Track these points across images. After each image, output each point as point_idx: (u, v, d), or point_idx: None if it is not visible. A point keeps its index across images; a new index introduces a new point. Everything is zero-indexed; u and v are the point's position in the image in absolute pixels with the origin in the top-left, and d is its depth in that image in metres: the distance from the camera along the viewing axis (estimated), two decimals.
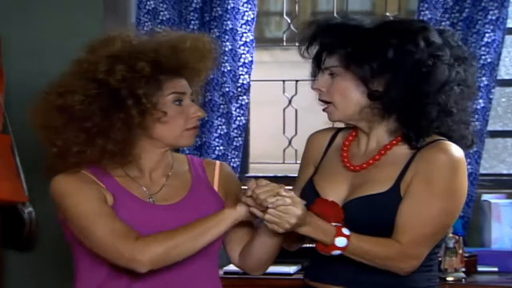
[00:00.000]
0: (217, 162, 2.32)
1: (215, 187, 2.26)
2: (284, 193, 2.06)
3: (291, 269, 3.36)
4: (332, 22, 2.21)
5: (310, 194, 2.21)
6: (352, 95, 2.17)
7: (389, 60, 2.12)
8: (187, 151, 3.78)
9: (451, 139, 2.18)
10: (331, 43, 2.18)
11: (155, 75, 2.13)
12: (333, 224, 2.11)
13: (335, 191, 2.20)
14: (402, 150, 2.19)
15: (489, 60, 3.61)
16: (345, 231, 2.10)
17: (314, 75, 2.25)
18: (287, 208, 2.05)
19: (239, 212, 2.10)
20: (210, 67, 2.25)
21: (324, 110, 2.22)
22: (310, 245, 2.22)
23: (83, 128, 2.11)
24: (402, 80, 2.13)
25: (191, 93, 2.21)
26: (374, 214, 2.15)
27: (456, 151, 2.15)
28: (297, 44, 2.29)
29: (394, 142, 2.20)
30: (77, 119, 2.10)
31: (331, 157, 2.28)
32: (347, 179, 2.22)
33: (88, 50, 2.17)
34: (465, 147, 2.20)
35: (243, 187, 2.22)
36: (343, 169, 2.23)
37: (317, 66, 2.24)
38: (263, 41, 4.14)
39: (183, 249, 2.09)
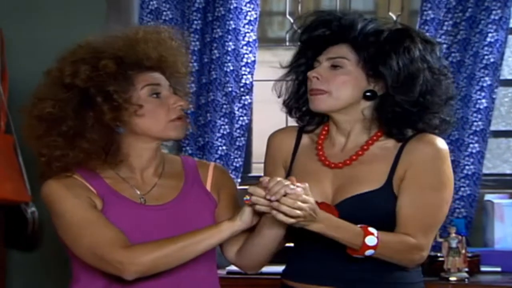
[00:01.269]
0: (212, 163, 2.32)
1: (208, 187, 2.25)
2: (296, 183, 2.04)
3: None
4: (351, 17, 2.23)
5: None
6: (350, 89, 2.19)
7: (413, 65, 2.17)
8: (190, 151, 3.78)
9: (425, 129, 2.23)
10: (354, 36, 2.19)
11: (123, 71, 2.15)
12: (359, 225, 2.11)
13: (319, 191, 2.18)
14: (385, 145, 2.22)
15: (492, 60, 3.61)
16: (372, 229, 2.11)
17: (307, 62, 2.24)
18: (299, 195, 2.02)
19: (237, 225, 2.08)
20: (176, 57, 2.24)
21: (313, 96, 2.21)
22: (289, 244, 2.25)
23: (60, 132, 2.13)
24: (413, 86, 2.17)
25: (170, 85, 2.21)
26: (369, 212, 2.16)
27: (441, 142, 2.21)
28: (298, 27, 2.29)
29: (374, 137, 2.23)
30: (54, 124, 2.14)
31: (303, 157, 2.28)
32: (327, 177, 2.22)
33: (57, 60, 2.20)
34: (441, 133, 2.26)
35: (239, 187, 2.20)
36: (322, 168, 2.23)
37: (310, 55, 2.24)
38: (265, 41, 4.14)
39: (171, 259, 2.08)
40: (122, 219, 2.13)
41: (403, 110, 2.18)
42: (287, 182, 2.03)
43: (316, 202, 2.13)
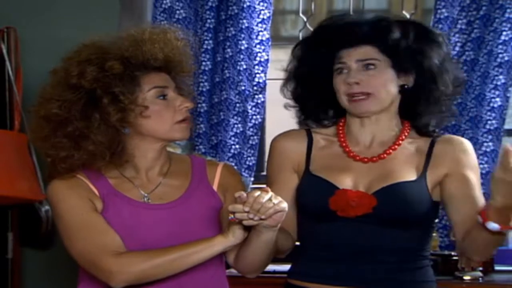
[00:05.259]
0: (221, 162, 2.32)
1: (215, 187, 2.24)
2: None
3: None
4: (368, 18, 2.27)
5: (324, 187, 2.21)
6: (391, 86, 2.24)
7: (441, 59, 2.25)
8: (203, 150, 3.79)
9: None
10: (382, 39, 2.22)
11: (129, 72, 2.15)
12: None
13: (351, 183, 2.21)
14: (415, 142, 2.27)
15: (506, 58, 3.60)
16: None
17: (333, 70, 2.25)
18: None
19: (230, 241, 2.08)
20: (182, 57, 2.23)
21: (357, 102, 2.22)
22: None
23: (66, 133, 2.13)
24: (442, 78, 2.25)
25: (175, 86, 2.21)
26: (405, 201, 2.18)
27: (467, 141, 2.29)
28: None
29: (406, 133, 2.27)
30: (60, 125, 2.13)
31: (323, 156, 2.28)
32: (361, 171, 2.23)
33: (63, 60, 2.20)
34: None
35: (253, 186, 2.18)
36: (353, 163, 2.24)
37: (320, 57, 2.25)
38: (279, 40, 4.15)
39: (161, 270, 2.09)
40: (123, 219, 2.13)
41: (441, 100, 2.26)
42: (258, 193, 2.00)
43: (351, 191, 2.17)
